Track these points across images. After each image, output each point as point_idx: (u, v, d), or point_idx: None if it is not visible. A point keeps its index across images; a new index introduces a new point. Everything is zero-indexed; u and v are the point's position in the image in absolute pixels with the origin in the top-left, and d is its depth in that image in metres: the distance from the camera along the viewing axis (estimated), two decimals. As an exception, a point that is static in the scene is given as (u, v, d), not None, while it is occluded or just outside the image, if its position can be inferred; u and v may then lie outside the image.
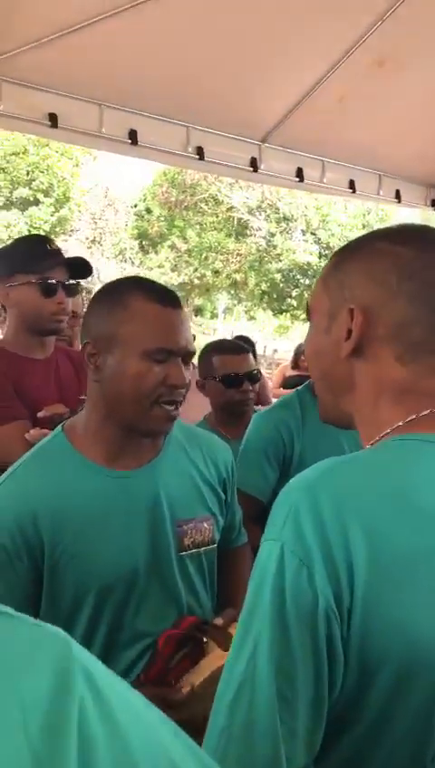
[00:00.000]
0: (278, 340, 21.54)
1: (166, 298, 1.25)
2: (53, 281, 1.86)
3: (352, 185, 4.01)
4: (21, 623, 0.42)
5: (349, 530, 0.71)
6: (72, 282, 1.93)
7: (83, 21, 2.60)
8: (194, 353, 1.30)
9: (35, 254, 1.87)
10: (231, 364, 2.34)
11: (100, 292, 1.31)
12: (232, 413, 2.37)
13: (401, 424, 0.81)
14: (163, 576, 1.32)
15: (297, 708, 0.71)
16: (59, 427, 1.36)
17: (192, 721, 0.84)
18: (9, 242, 2.12)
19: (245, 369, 2.35)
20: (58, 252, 1.93)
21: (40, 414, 1.81)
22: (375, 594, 0.71)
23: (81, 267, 1.96)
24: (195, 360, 2.47)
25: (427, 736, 0.76)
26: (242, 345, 2.52)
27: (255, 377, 2.38)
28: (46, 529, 1.23)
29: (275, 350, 19.17)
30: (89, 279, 2.08)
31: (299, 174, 3.78)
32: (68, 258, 1.94)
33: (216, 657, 1.24)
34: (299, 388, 2.23)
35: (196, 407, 2.38)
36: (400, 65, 3.09)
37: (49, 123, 2.95)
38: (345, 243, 0.92)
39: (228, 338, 4.50)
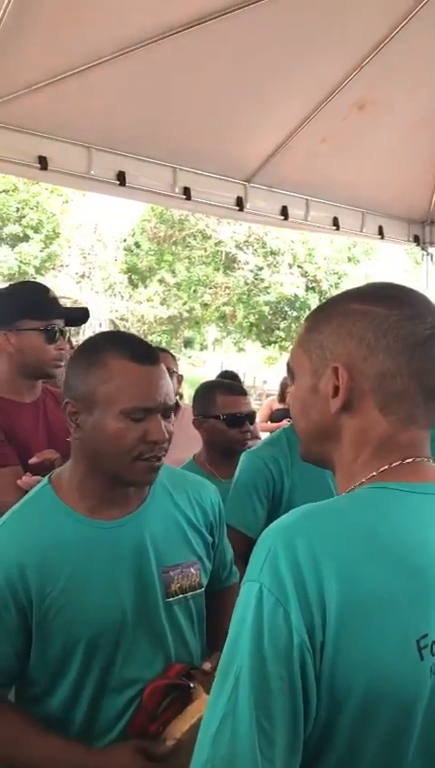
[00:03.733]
0: (267, 372, 21.61)
1: (142, 355, 1.27)
2: (56, 327, 1.94)
3: (335, 222, 4.10)
4: None
5: (322, 572, 0.78)
6: (67, 328, 2.04)
7: (73, 68, 2.67)
8: (173, 407, 1.32)
9: (41, 301, 1.96)
10: (235, 404, 2.42)
11: (78, 350, 1.35)
12: (229, 452, 2.41)
13: (374, 474, 0.88)
14: (151, 623, 1.32)
15: (275, 740, 0.75)
16: (45, 479, 1.37)
17: None
18: (2, 286, 2.19)
19: (247, 409, 2.46)
20: (57, 299, 2.04)
21: (32, 460, 1.83)
22: (345, 632, 0.77)
23: (79, 315, 2.08)
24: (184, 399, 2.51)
25: (396, 765, 0.80)
26: (243, 387, 2.66)
27: (253, 418, 2.51)
28: (34, 582, 1.24)
29: (265, 381, 19.20)
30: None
31: (284, 212, 3.86)
32: (71, 308, 2.10)
33: (202, 702, 1.22)
34: (286, 426, 2.25)
35: (181, 447, 2.39)
36: (378, 108, 3.19)
37: (39, 166, 3.01)
38: (319, 303, 0.97)
39: (218, 369, 4.56)
